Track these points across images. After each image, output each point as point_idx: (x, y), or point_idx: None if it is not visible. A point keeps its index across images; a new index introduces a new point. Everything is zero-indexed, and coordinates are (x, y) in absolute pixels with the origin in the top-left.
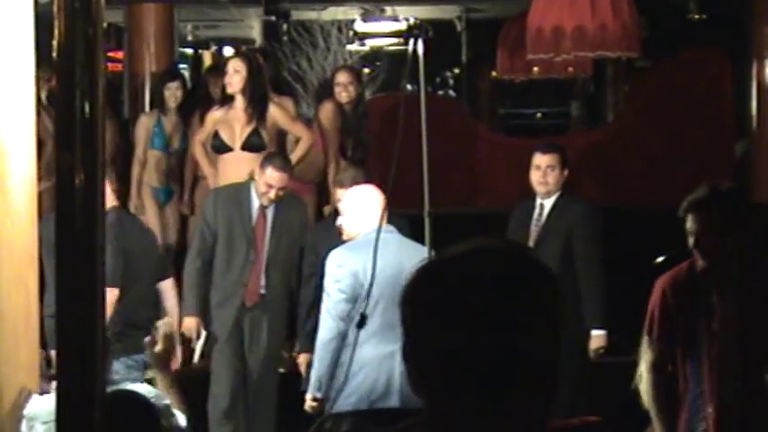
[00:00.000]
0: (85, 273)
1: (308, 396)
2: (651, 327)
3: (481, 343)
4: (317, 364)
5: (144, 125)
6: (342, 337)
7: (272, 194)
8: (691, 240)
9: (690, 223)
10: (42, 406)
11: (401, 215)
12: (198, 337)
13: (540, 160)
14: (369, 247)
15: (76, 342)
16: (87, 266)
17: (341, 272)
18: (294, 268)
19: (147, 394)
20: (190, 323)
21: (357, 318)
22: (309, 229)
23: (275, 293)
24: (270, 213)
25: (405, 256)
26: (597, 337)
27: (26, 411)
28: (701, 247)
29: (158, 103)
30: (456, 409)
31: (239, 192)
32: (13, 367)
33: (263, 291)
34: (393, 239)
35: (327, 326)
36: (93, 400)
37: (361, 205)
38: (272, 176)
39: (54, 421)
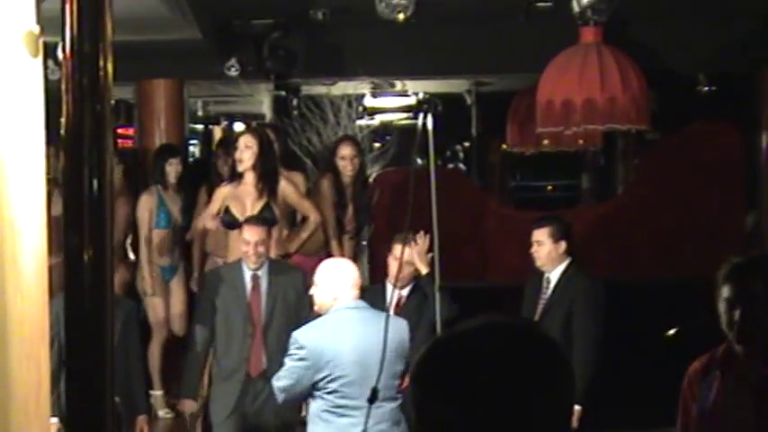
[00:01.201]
0: (94, 350)
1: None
2: (677, 417)
3: (491, 418)
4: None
5: (146, 205)
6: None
7: (251, 251)
8: (726, 316)
9: (727, 293)
10: None
11: (447, 289)
12: (196, 419)
13: (532, 235)
14: (332, 326)
15: (87, 419)
16: (96, 344)
17: (301, 353)
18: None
19: None
20: (188, 407)
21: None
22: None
23: (275, 363)
24: (263, 283)
25: (369, 333)
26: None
27: None
28: (738, 323)
29: (159, 179)
30: None
31: (231, 269)
32: None
33: (265, 362)
34: (357, 316)
35: (277, 393)
36: None
37: (333, 278)
38: (248, 232)
39: None
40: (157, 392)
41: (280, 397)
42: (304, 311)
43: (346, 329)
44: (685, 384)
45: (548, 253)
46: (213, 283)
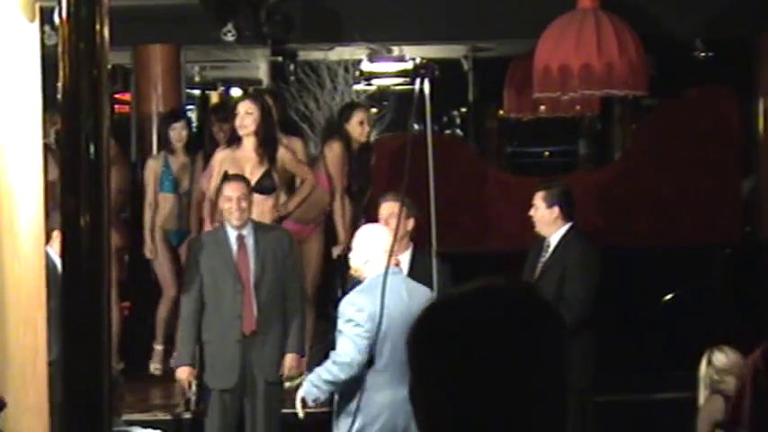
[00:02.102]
0: (92, 314)
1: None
2: (737, 410)
3: (487, 382)
4: (325, 393)
5: (152, 168)
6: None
7: (234, 207)
8: None
9: None
10: None
11: (445, 257)
12: (190, 386)
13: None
14: (379, 288)
15: (83, 384)
16: (93, 308)
17: (362, 316)
18: (284, 291)
19: None
20: (182, 373)
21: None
22: (293, 254)
23: (268, 319)
24: (250, 241)
25: (411, 297)
26: None
27: None
28: None
29: (164, 144)
30: None
31: (215, 233)
32: (21, 409)
33: (256, 321)
34: (399, 281)
35: (336, 366)
36: None
37: (370, 243)
38: (230, 188)
39: None
40: (158, 347)
41: (348, 372)
42: (291, 270)
43: (393, 294)
44: (756, 375)
45: (540, 216)
46: (198, 249)
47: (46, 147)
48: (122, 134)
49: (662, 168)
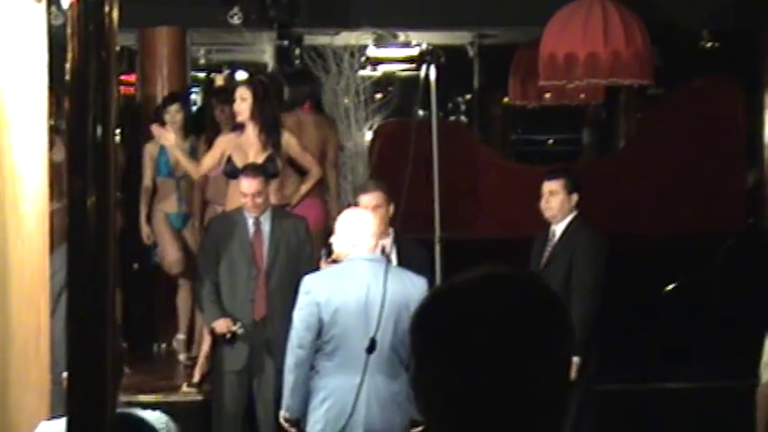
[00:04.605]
0: (97, 295)
1: (281, 414)
2: None
3: (490, 370)
4: (284, 387)
5: (149, 152)
6: (306, 364)
7: (249, 203)
8: None
9: None
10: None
11: (420, 242)
12: (233, 336)
13: (544, 186)
14: (341, 275)
15: (87, 364)
16: (99, 289)
17: (305, 299)
18: (296, 279)
19: (155, 421)
20: (221, 324)
21: (367, 343)
22: (309, 242)
23: (277, 305)
24: (266, 228)
25: (378, 284)
26: None
27: None
28: None
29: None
30: None
31: (234, 215)
32: (23, 388)
33: (266, 306)
34: (370, 267)
35: (289, 352)
36: (104, 425)
37: (352, 228)
38: (245, 184)
39: None
40: (181, 336)
41: (294, 355)
42: (306, 259)
43: (355, 279)
44: None
45: (560, 204)
46: (217, 229)
47: (54, 128)
48: (127, 116)
49: (666, 158)
